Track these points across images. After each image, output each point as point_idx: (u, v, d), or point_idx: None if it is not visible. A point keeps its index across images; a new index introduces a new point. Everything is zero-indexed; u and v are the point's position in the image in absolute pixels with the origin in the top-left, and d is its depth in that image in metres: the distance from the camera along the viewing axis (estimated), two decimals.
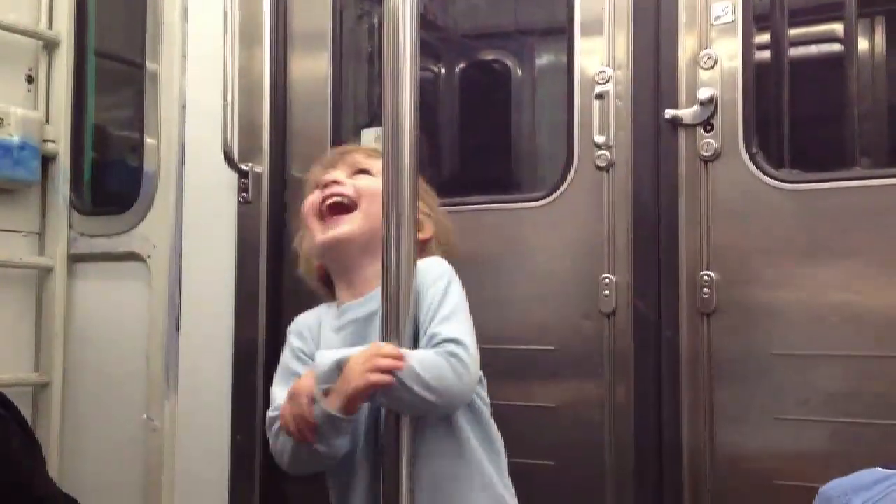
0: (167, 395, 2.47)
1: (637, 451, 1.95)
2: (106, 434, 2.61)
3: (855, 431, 1.77)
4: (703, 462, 1.90)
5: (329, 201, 1.70)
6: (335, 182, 1.71)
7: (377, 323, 1.56)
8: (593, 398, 2.00)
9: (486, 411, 1.63)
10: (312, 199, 1.74)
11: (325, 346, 1.66)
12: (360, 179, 1.71)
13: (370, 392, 1.46)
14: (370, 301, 1.64)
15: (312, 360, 1.61)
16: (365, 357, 1.46)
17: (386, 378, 1.43)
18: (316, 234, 1.71)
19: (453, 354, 1.48)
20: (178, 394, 2.47)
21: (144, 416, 2.50)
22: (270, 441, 1.61)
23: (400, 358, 1.45)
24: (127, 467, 2.54)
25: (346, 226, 1.67)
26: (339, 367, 1.48)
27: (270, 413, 1.62)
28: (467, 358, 1.49)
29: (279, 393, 1.62)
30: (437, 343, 1.50)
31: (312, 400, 1.48)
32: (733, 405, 1.89)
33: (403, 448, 1.49)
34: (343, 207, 1.69)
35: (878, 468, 1.17)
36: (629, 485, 1.95)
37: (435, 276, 1.59)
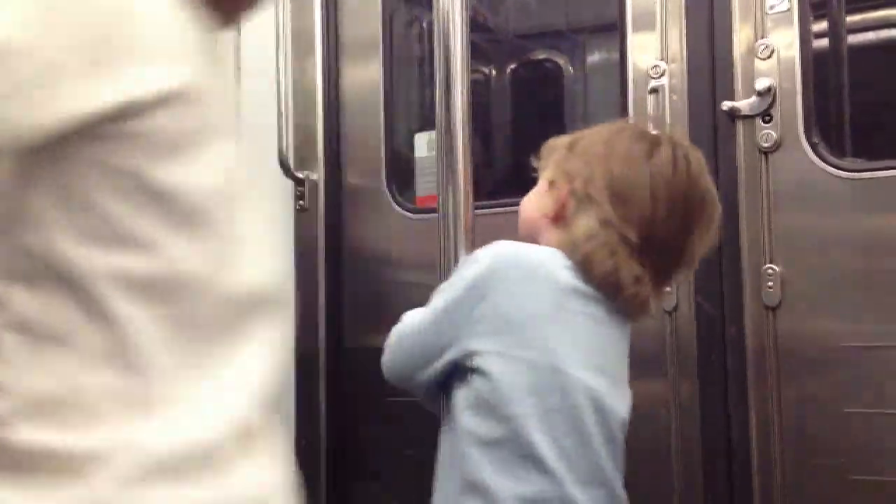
0: None
1: (704, 450, 1.92)
2: None
3: None
4: (774, 459, 1.87)
5: None
6: None
7: None
8: (657, 397, 1.98)
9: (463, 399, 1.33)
10: None
11: None
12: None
13: None
14: None
15: None
16: None
17: None
18: None
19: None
20: None
21: None
22: None
23: None
24: None
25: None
26: None
27: None
28: (392, 334, 1.41)
29: None
30: None
31: None
32: (802, 400, 1.85)
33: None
34: None
35: None
36: (697, 484, 1.93)
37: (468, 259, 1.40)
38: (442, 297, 1.35)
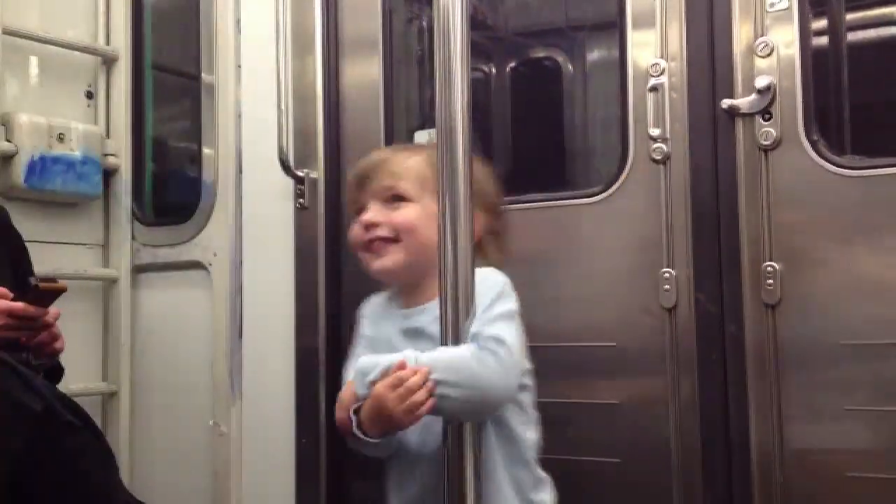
0: (233, 401, 2.51)
1: (704, 447, 1.92)
2: (174, 440, 2.66)
3: None
4: (773, 457, 1.87)
5: (372, 243, 1.71)
6: (373, 224, 1.70)
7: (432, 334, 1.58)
8: (657, 394, 1.98)
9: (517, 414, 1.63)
10: (357, 234, 1.74)
11: (386, 341, 1.69)
12: (396, 213, 1.69)
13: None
14: (431, 311, 1.64)
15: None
16: (396, 394, 1.45)
17: (425, 409, 1.44)
18: (367, 264, 1.74)
19: (486, 349, 1.46)
20: (242, 399, 2.51)
21: (211, 421, 2.54)
22: None
23: (425, 384, 1.45)
24: (195, 473, 2.58)
25: (390, 259, 1.68)
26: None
27: None
28: (504, 354, 1.47)
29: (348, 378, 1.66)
30: (478, 341, 1.48)
31: (351, 413, 1.54)
32: (801, 397, 1.85)
33: (467, 451, 1.48)
34: (387, 239, 1.69)
35: None
36: (697, 480, 1.93)
37: (489, 284, 1.56)
38: (510, 326, 1.53)
